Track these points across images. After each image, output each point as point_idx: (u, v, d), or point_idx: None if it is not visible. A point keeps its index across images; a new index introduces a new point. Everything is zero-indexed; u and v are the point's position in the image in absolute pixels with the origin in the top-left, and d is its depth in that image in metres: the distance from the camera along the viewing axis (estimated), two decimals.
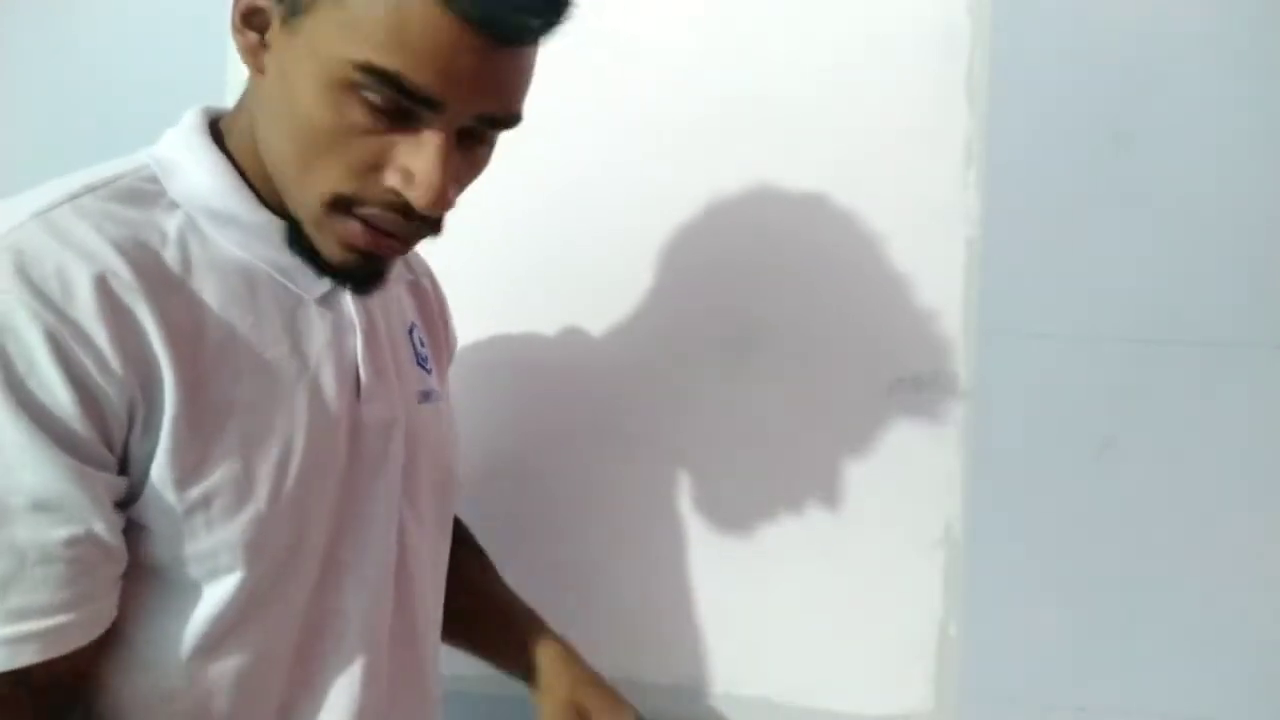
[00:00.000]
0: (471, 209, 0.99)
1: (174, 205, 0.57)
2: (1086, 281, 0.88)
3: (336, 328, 0.62)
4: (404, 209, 0.54)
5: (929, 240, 0.91)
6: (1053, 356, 0.89)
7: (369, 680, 0.62)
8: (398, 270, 0.73)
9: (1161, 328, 0.87)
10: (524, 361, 1.00)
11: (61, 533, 0.49)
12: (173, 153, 0.59)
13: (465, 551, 0.84)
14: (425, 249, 0.81)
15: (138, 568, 0.54)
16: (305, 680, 0.61)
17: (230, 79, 1.07)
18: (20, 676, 0.48)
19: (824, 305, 0.94)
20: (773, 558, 0.95)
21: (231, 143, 0.60)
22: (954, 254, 0.91)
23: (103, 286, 0.50)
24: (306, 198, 0.55)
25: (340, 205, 0.54)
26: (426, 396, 0.71)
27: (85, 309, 0.49)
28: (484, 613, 0.83)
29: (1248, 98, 0.85)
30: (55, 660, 0.49)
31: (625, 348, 0.98)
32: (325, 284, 0.61)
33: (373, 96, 0.51)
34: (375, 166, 0.53)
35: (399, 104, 0.51)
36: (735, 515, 0.96)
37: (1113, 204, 0.88)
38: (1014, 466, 0.89)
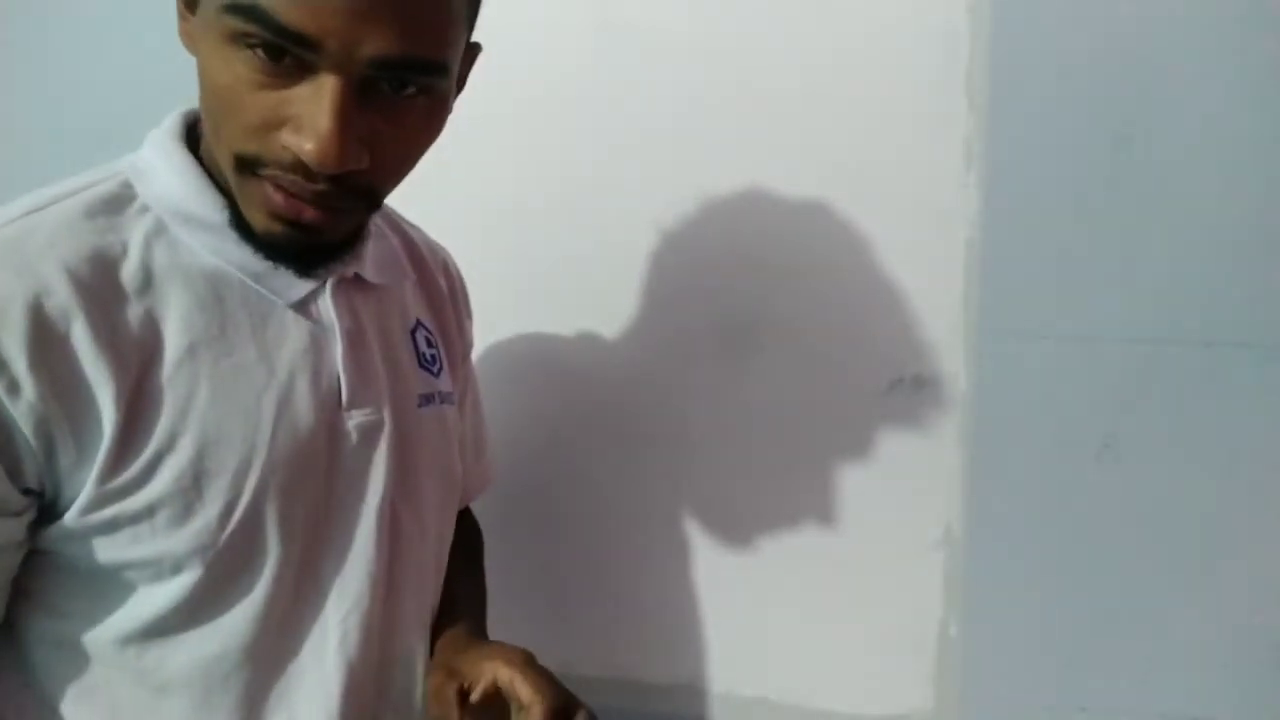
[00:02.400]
0: (473, 210, 0.99)
1: (145, 209, 0.57)
2: (1086, 281, 0.88)
3: (315, 334, 0.60)
4: (304, 170, 0.51)
5: (929, 240, 0.91)
6: (1053, 356, 0.89)
7: (350, 691, 0.60)
8: (400, 268, 0.70)
9: (1161, 328, 0.87)
10: (521, 362, 1.00)
11: None
12: (147, 157, 0.59)
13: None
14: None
15: (66, 572, 0.54)
16: (279, 690, 0.59)
17: None
18: None
19: (824, 305, 0.94)
20: (772, 558, 0.95)
21: (204, 144, 0.59)
22: (954, 254, 0.91)
23: (34, 309, 0.50)
24: (224, 164, 0.54)
25: (246, 167, 0.52)
26: (429, 400, 0.69)
27: (10, 334, 0.49)
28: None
29: (1248, 98, 0.85)
30: None
31: (624, 348, 0.98)
32: (302, 288, 0.60)
33: (253, 42, 0.48)
34: (272, 123, 0.50)
35: (279, 48, 0.48)
36: (735, 515, 0.96)
37: (1112, 204, 0.88)
38: (1014, 466, 0.89)
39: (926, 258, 0.91)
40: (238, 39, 0.49)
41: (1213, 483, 0.86)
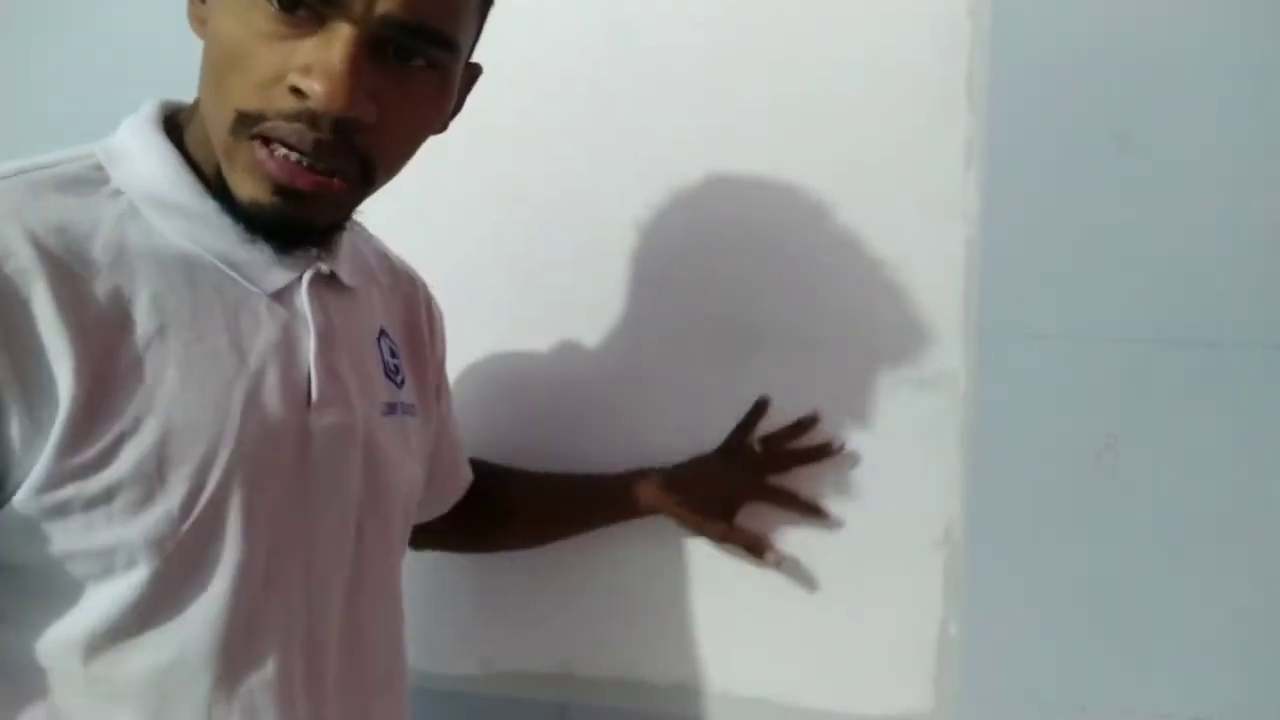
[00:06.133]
0: (468, 214, 0.99)
1: (117, 193, 0.55)
2: (1086, 281, 0.88)
3: (288, 327, 0.58)
4: (309, 117, 0.50)
5: (929, 240, 0.91)
6: (1053, 356, 0.89)
7: (317, 702, 0.59)
8: (371, 273, 0.70)
9: (1161, 328, 0.87)
10: (520, 363, 1.00)
11: None
12: (121, 141, 0.58)
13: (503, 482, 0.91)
14: (422, 263, 0.81)
15: (7, 568, 0.51)
16: (241, 700, 0.56)
17: None
18: None
19: (824, 305, 0.93)
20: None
21: (187, 134, 0.58)
22: (954, 254, 0.91)
23: None
24: (217, 130, 0.53)
25: (244, 126, 0.51)
26: (391, 409, 0.67)
27: None
28: (562, 496, 0.91)
29: (1248, 98, 0.85)
30: None
31: (623, 348, 0.98)
32: (278, 279, 0.58)
33: None
34: (281, 75, 0.50)
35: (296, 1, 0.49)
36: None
37: (1113, 204, 0.87)
38: (1014, 466, 0.89)
39: (926, 258, 0.91)
40: None
41: (1213, 483, 0.86)
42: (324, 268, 0.62)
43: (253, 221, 0.55)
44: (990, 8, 0.89)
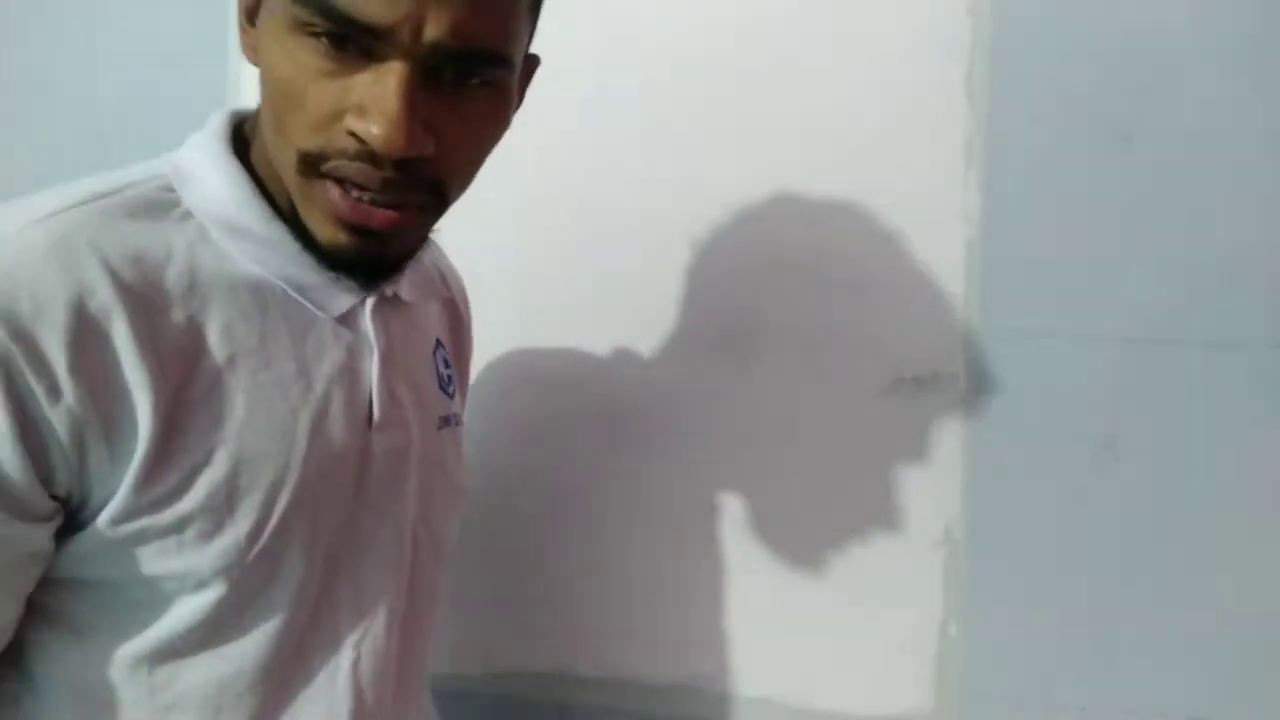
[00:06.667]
0: (475, 219, 0.99)
1: (188, 215, 0.55)
2: (1086, 281, 0.88)
3: (352, 350, 0.59)
4: (370, 157, 0.49)
5: (929, 240, 0.91)
6: (1053, 356, 0.89)
7: (359, 714, 0.59)
8: (431, 285, 0.70)
9: (1161, 328, 0.87)
10: (523, 367, 1.00)
11: None
12: (190, 160, 0.57)
13: None
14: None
15: (85, 586, 0.53)
16: (289, 712, 0.57)
17: (230, 80, 1.07)
18: None
19: (824, 305, 0.94)
20: (772, 558, 0.95)
21: (254, 150, 0.58)
22: (954, 254, 0.91)
23: (77, 307, 0.48)
24: (287, 172, 0.52)
25: (310, 166, 0.51)
26: (445, 422, 0.68)
27: (51, 331, 0.47)
28: None
29: (1249, 98, 0.85)
30: None
31: (622, 348, 0.98)
32: (344, 303, 0.58)
33: (316, 30, 0.48)
34: (336, 113, 0.49)
35: (345, 34, 0.48)
36: (735, 515, 0.96)
37: (1113, 204, 0.88)
38: (1014, 466, 0.89)
39: (927, 258, 0.91)
40: (302, 28, 0.48)
41: (1212, 482, 0.86)
42: (388, 290, 0.62)
43: (334, 261, 0.54)
44: (990, 8, 0.89)
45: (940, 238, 0.91)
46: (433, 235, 0.71)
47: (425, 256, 0.69)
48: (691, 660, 0.97)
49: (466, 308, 0.80)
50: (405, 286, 0.64)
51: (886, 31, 0.92)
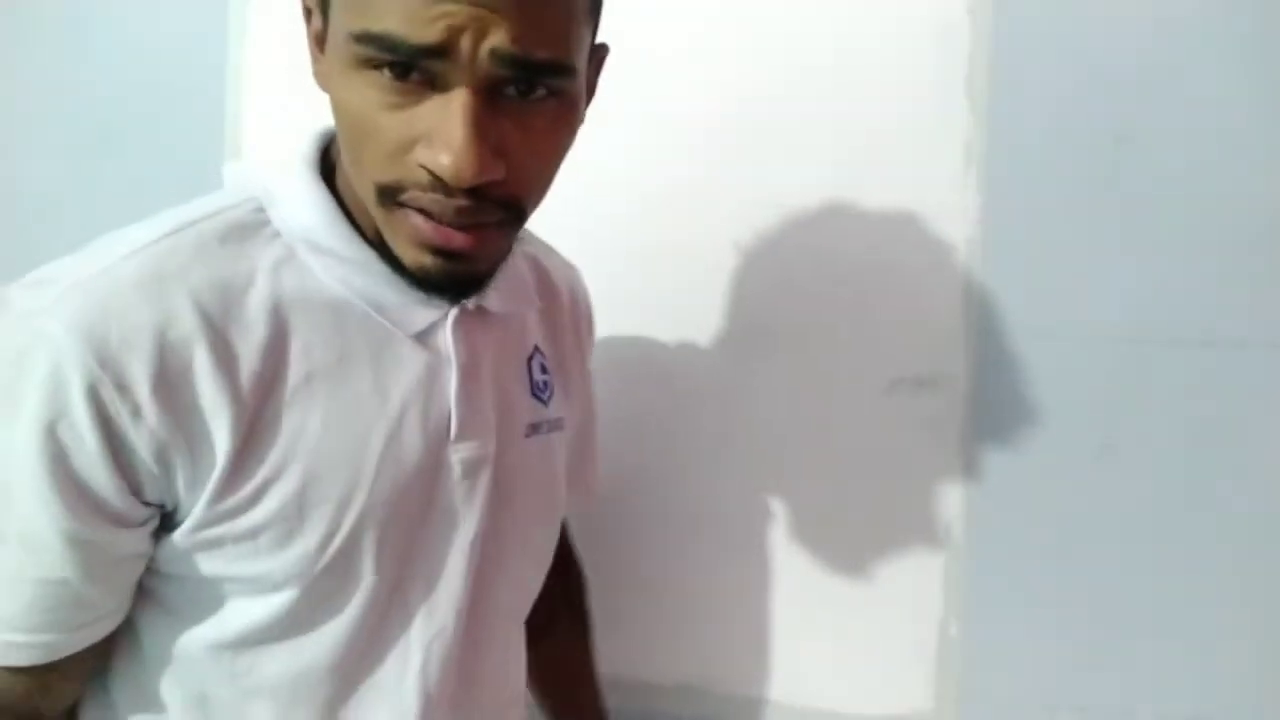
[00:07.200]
0: None
1: (276, 235, 0.58)
2: (1086, 281, 0.88)
3: (431, 365, 0.60)
4: (442, 187, 0.50)
5: (929, 240, 0.91)
6: (1053, 356, 0.89)
7: (427, 711, 0.62)
8: (525, 294, 0.70)
9: (1161, 328, 0.87)
10: None
11: (35, 572, 0.52)
12: (279, 182, 0.59)
13: (568, 617, 0.87)
14: None
15: (176, 577, 0.57)
16: (360, 703, 0.61)
17: (230, 80, 1.07)
18: None
19: (824, 305, 0.94)
20: (773, 558, 0.95)
21: (339, 172, 0.60)
22: (954, 254, 0.91)
23: (160, 337, 0.51)
24: (367, 198, 0.54)
25: (388, 197, 0.52)
26: (536, 429, 0.69)
27: (136, 359, 0.51)
28: (554, 683, 0.88)
29: (1248, 98, 0.85)
30: (26, 670, 0.53)
31: (618, 350, 0.98)
32: (423, 319, 0.60)
33: (379, 64, 0.49)
34: (406, 144, 0.51)
35: (407, 63, 0.49)
36: (735, 515, 0.96)
37: (1113, 204, 0.88)
38: (1014, 467, 0.89)
39: (927, 258, 0.91)
40: (365, 63, 0.50)
41: (1212, 483, 0.86)
42: (469, 304, 0.62)
43: (423, 284, 0.56)
44: (990, 8, 0.89)
45: (940, 238, 0.91)
46: (538, 240, 0.73)
47: (522, 265, 0.71)
48: (691, 660, 0.97)
49: (578, 310, 0.79)
50: (494, 298, 0.64)
51: (886, 32, 0.92)
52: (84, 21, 1.12)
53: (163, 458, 0.52)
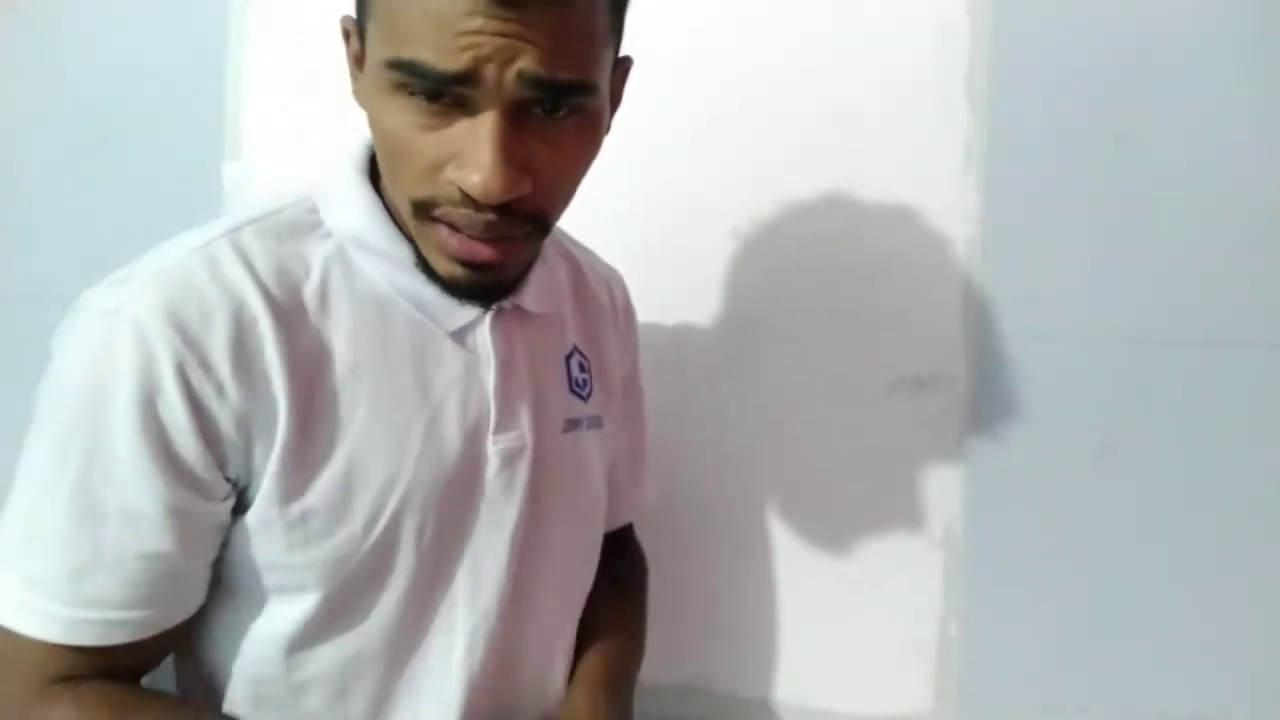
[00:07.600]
0: None
1: (328, 235, 0.62)
2: (1086, 281, 0.88)
3: (469, 362, 0.63)
4: (472, 202, 0.54)
5: (929, 240, 0.91)
6: (1053, 356, 0.89)
7: (471, 696, 0.64)
8: (558, 298, 0.72)
9: (1161, 328, 0.87)
10: None
11: (137, 547, 0.55)
12: (330, 184, 0.64)
13: (609, 589, 0.80)
14: None
15: (236, 564, 0.59)
16: (407, 689, 0.63)
17: (230, 80, 1.07)
18: (77, 653, 0.55)
19: (824, 305, 0.94)
20: (773, 558, 0.95)
21: (384, 177, 0.63)
22: (954, 254, 0.91)
23: (236, 321, 0.56)
24: (403, 212, 0.58)
25: (421, 211, 0.56)
26: (574, 425, 0.71)
27: (216, 341, 0.55)
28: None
29: (1248, 98, 0.85)
30: (115, 647, 0.56)
31: None
32: (462, 318, 0.63)
33: (412, 90, 0.52)
34: (439, 163, 0.54)
35: (439, 90, 0.52)
36: (736, 515, 0.96)
37: (1113, 204, 0.88)
38: (1014, 467, 0.89)
39: (926, 258, 0.91)
40: (399, 88, 0.53)
41: (1212, 482, 0.86)
42: (506, 304, 0.65)
43: (454, 291, 0.61)
44: (990, 8, 0.89)
45: (940, 238, 0.91)
46: (580, 244, 0.76)
47: (559, 267, 0.74)
48: (692, 660, 0.97)
49: (618, 313, 0.80)
50: (530, 299, 0.67)
51: (886, 32, 0.92)
52: (84, 21, 1.12)
53: (244, 429, 0.56)
